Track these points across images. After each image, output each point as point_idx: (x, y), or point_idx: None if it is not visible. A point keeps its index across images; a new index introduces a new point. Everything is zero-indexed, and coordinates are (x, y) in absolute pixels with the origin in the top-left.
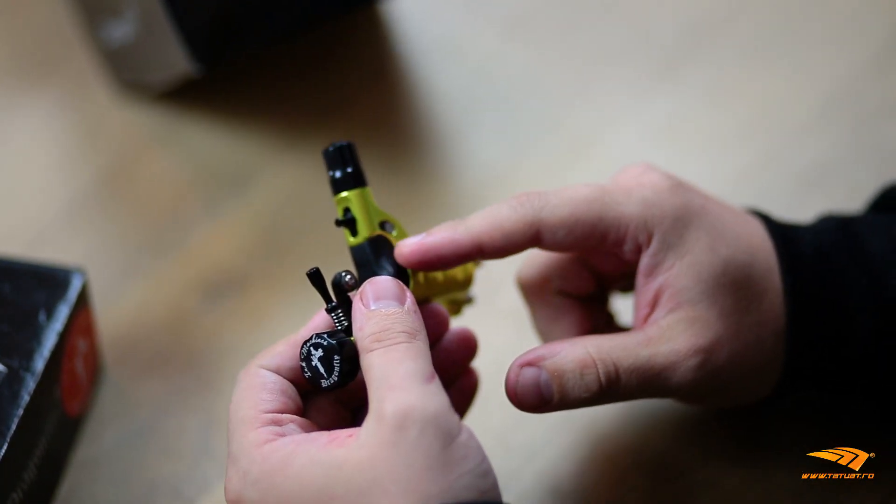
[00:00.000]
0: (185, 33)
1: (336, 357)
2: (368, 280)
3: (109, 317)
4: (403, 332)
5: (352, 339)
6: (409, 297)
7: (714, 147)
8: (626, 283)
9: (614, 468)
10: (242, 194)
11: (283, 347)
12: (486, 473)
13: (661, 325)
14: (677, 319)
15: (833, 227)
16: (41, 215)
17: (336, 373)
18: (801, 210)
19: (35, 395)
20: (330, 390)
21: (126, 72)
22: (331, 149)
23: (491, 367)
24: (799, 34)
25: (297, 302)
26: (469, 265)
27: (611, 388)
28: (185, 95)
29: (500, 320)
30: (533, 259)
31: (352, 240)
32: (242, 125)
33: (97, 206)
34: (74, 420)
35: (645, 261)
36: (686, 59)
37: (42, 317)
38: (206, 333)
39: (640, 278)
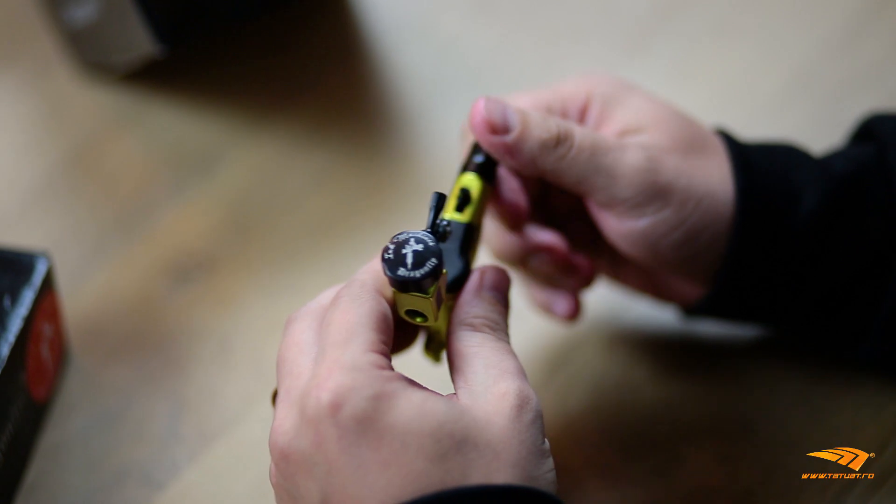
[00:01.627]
0: (148, 14)
1: (433, 259)
2: (494, 266)
3: (75, 301)
4: (506, 332)
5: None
6: (510, 305)
7: None
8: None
9: (583, 448)
10: (209, 176)
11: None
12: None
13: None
14: (628, 137)
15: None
16: (4, 199)
17: (423, 271)
18: None
19: (0, 382)
20: (397, 281)
21: (89, 53)
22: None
23: None
24: (767, 9)
25: (266, 283)
26: None
27: (566, 139)
28: (149, 77)
29: None
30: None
31: (455, 214)
32: (208, 106)
33: (61, 189)
34: (41, 406)
35: (590, 122)
36: (654, 35)
37: (6, 302)
38: (173, 316)
39: None
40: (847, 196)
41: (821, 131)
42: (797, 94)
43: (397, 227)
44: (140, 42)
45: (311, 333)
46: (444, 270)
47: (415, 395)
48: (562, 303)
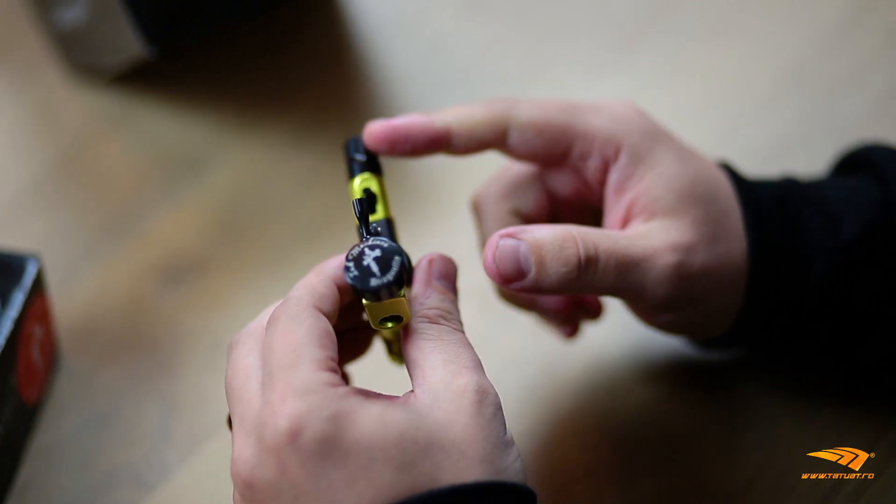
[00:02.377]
0: (137, 15)
1: (397, 257)
2: (440, 255)
3: (66, 303)
4: (459, 322)
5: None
6: (457, 293)
7: (672, 122)
8: (581, 214)
9: (580, 447)
10: (199, 177)
11: (322, 287)
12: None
13: (638, 229)
14: (654, 225)
15: (788, 179)
16: None
17: (395, 271)
18: None
19: None
20: (372, 292)
21: (79, 55)
22: (352, 138)
23: None
24: (759, 8)
25: (256, 285)
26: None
27: (589, 266)
28: (139, 79)
29: (463, 301)
30: (492, 178)
31: (374, 215)
32: (198, 109)
33: (51, 192)
34: (32, 407)
35: (614, 176)
36: (644, 35)
37: None
38: (163, 318)
39: (609, 195)
40: (856, 265)
41: (812, 129)
42: (789, 91)
43: None
44: (129, 44)
45: (255, 356)
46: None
47: (373, 408)
48: (566, 329)
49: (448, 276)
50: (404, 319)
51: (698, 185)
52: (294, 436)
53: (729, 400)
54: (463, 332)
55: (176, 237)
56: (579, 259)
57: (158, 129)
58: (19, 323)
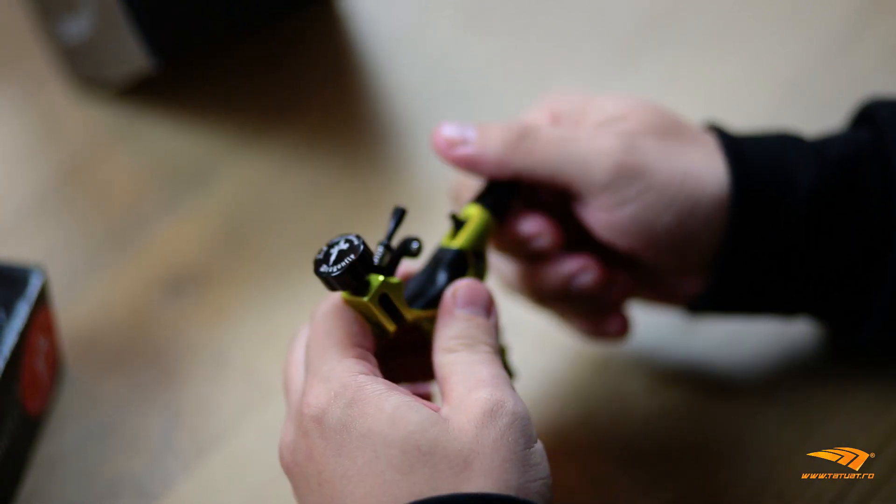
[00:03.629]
0: (141, 29)
1: (351, 256)
2: (466, 281)
3: (70, 314)
4: (488, 344)
5: (379, 277)
6: (496, 312)
7: None
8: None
9: (581, 461)
10: (202, 190)
11: None
12: (551, 488)
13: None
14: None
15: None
16: (0, 213)
17: (339, 267)
18: None
19: None
20: (321, 277)
21: (83, 68)
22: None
23: None
24: (758, 19)
25: (258, 296)
26: None
27: (528, 133)
28: (143, 91)
29: None
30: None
31: (447, 240)
32: (201, 121)
33: (56, 204)
34: (35, 418)
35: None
36: (644, 48)
37: (1, 315)
38: (167, 329)
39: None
40: (842, 179)
41: None
42: (789, 103)
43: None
44: (134, 57)
45: (304, 350)
46: (396, 280)
47: (388, 403)
48: (612, 321)
49: (475, 301)
50: (386, 332)
51: (652, 105)
52: (319, 421)
53: (726, 407)
54: (487, 353)
55: (179, 249)
56: (518, 127)
57: (162, 141)
58: (24, 334)
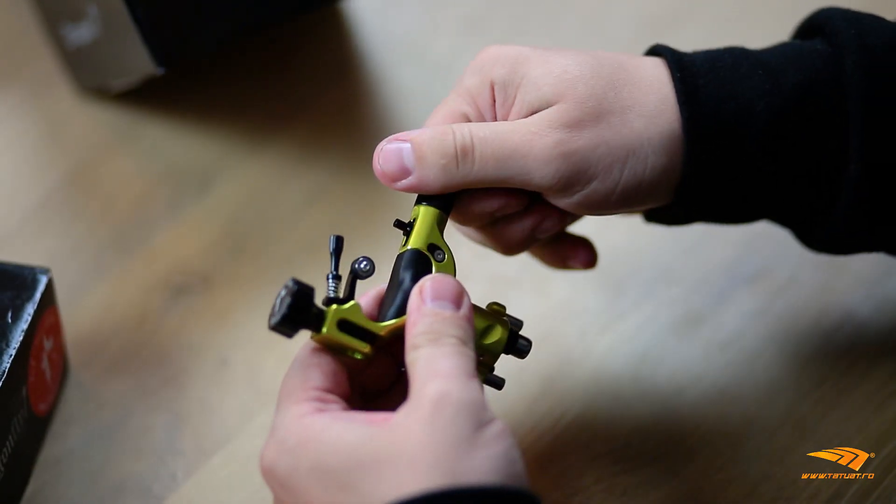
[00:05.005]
0: (146, 33)
1: (289, 299)
2: (431, 276)
3: (74, 317)
4: (455, 336)
5: (332, 307)
6: (466, 303)
7: None
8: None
9: (580, 458)
10: (206, 193)
11: None
12: (514, 461)
13: (523, 119)
14: (536, 114)
15: (729, 47)
16: (6, 216)
17: (280, 314)
18: None
19: (2, 395)
20: (273, 329)
21: (88, 72)
22: None
23: None
24: (753, 28)
25: (261, 299)
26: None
27: (465, 155)
28: (146, 95)
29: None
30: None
31: (400, 247)
32: (205, 124)
33: (61, 207)
34: (42, 419)
35: (500, 115)
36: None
37: (8, 316)
38: (170, 331)
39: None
40: (799, 110)
41: None
42: None
43: (391, 245)
44: (138, 60)
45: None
46: (350, 303)
47: (329, 432)
48: (579, 255)
49: (441, 295)
50: (364, 352)
51: (579, 73)
52: (271, 472)
53: (725, 408)
54: (454, 343)
55: (183, 252)
56: (455, 149)
57: (166, 144)
58: (30, 335)
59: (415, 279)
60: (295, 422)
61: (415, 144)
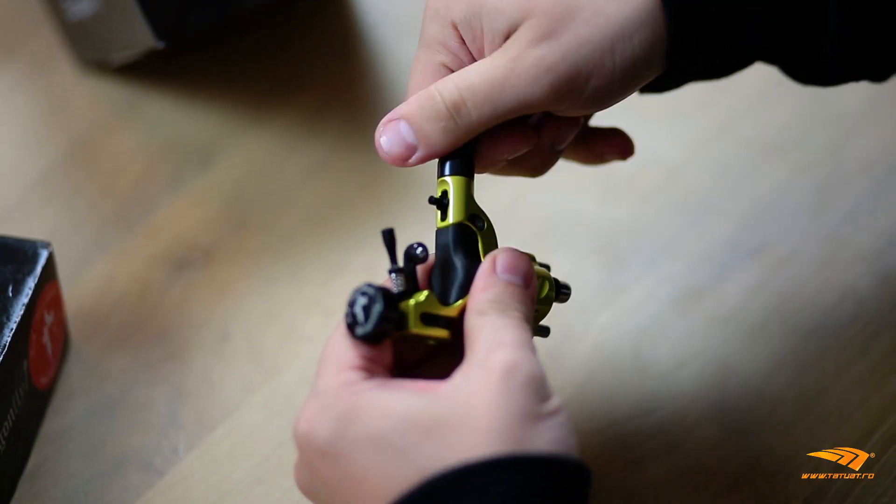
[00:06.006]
0: (146, 6)
1: (377, 307)
2: (505, 249)
3: (75, 291)
4: (520, 311)
5: (410, 302)
6: (534, 284)
7: (673, 116)
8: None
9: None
10: (207, 167)
11: None
12: (572, 434)
13: (500, 50)
14: (510, 39)
15: None
16: (7, 191)
17: (372, 323)
18: (759, 176)
19: (3, 368)
20: (362, 340)
21: (89, 46)
22: None
23: None
24: None
25: (263, 274)
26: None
27: (459, 109)
28: (148, 70)
29: None
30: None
31: (440, 223)
32: (207, 99)
33: (62, 181)
34: (43, 393)
35: (477, 55)
36: None
37: (9, 290)
38: (171, 306)
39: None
40: None
41: (809, 124)
42: (786, 86)
43: (392, 219)
44: (139, 34)
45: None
46: (423, 294)
47: (380, 400)
48: (615, 145)
49: (515, 269)
50: (443, 339)
51: None
52: (308, 438)
53: (726, 407)
54: (518, 317)
55: (184, 226)
56: (446, 108)
57: (167, 119)
58: (31, 309)
59: (468, 255)
60: (344, 389)
61: (408, 119)
